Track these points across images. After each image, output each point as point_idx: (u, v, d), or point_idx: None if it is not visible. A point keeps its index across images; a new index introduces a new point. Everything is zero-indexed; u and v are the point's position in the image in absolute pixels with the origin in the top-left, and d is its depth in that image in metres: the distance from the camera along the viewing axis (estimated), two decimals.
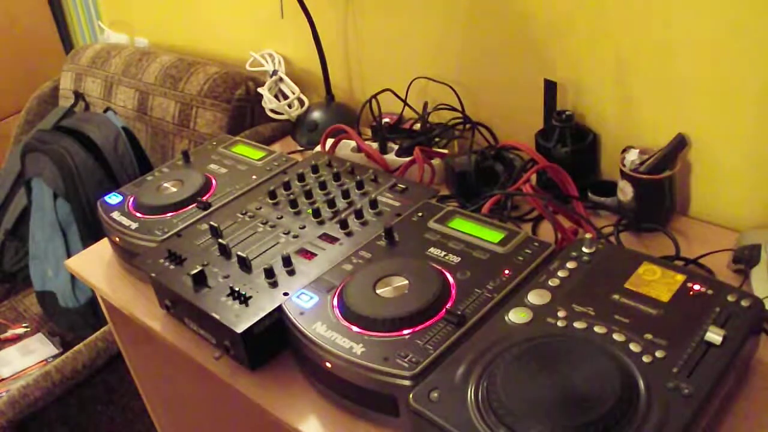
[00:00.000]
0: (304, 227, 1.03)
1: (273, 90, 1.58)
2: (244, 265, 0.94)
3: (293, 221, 1.05)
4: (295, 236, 1.01)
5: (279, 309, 0.87)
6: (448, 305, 0.82)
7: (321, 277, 0.91)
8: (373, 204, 1.05)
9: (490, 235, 0.93)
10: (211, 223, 1.02)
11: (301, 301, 0.87)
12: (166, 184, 1.18)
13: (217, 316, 0.87)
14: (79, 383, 1.39)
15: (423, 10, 1.32)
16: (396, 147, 1.28)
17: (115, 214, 1.13)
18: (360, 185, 1.10)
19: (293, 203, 1.08)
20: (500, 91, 1.28)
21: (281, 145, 1.52)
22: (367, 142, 1.29)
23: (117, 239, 1.11)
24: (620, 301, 0.78)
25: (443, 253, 0.91)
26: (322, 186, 1.12)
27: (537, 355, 0.71)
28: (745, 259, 0.93)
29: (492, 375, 0.69)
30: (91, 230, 1.69)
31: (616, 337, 0.73)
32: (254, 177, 1.20)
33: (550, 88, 1.16)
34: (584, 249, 0.87)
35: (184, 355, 0.96)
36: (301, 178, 1.14)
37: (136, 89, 1.85)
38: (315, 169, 1.17)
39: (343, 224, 1.01)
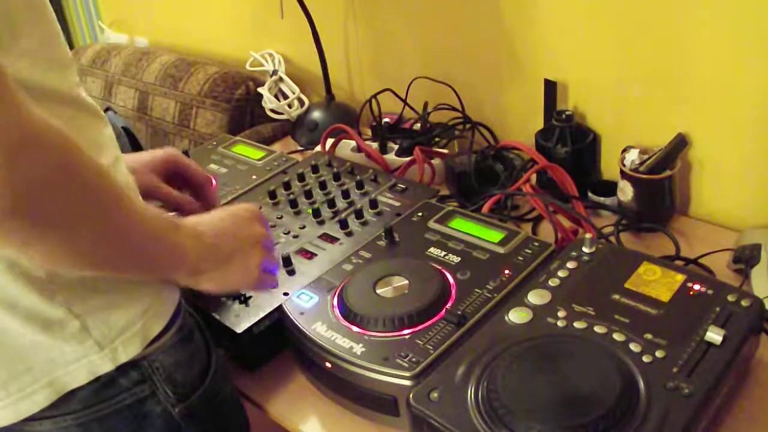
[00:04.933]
0: (304, 227, 1.03)
1: (273, 90, 1.58)
2: None
3: (293, 221, 1.05)
4: (295, 236, 1.01)
5: (279, 309, 0.87)
6: (448, 305, 0.82)
7: (321, 277, 0.91)
8: (373, 204, 1.05)
9: (490, 235, 0.93)
10: None
11: (301, 301, 0.87)
12: None
13: (217, 316, 0.87)
14: None
15: (423, 9, 1.32)
16: (396, 147, 1.28)
17: None
18: (360, 185, 1.10)
19: (293, 203, 1.08)
20: (500, 91, 1.28)
21: (281, 145, 1.52)
22: (367, 142, 1.29)
23: None
24: (620, 301, 0.78)
25: (443, 253, 0.91)
26: (322, 186, 1.12)
27: (537, 355, 0.71)
28: (746, 258, 0.93)
29: (492, 375, 0.69)
30: None
31: (616, 336, 0.73)
32: (254, 177, 1.20)
33: (550, 88, 1.16)
34: (584, 249, 0.86)
35: None
36: (301, 178, 1.14)
37: (136, 89, 1.85)
38: (315, 169, 1.17)
39: (343, 224, 1.01)
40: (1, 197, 0.49)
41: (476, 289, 0.84)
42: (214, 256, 0.72)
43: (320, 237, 1.00)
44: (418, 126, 1.32)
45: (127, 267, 0.65)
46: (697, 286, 0.78)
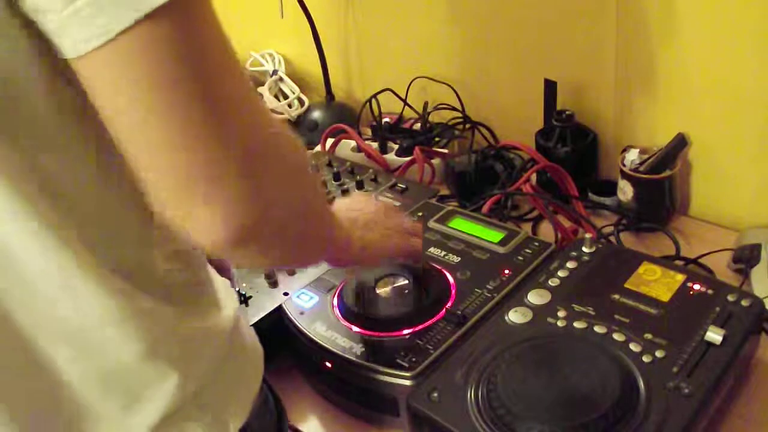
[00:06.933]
0: None
1: (273, 90, 1.58)
2: None
3: None
4: None
5: (279, 309, 0.87)
6: (448, 305, 0.82)
7: (321, 277, 0.90)
8: None
9: (490, 235, 0.93)
10: None
11: (301, 301, 0.87)
12: None
13: None
14: None
15: (423, 9, 1.32)
16: (396, 147, 1.28)
17: None
18: (360, 185, 1.10)
19: None
20: (500, 91, 1.28)
21: None
22: (367, 142, 1.29)
23: None
24: (620, 300, 0.78)
25: (443, 252, 0.91)
26: (322, 186, 1.12)
27: (537, 355, 0.71)
28: (746, 258, 0.93)
29: (492, 375, 0.69)
30: None
31: (616, 336, 0.73)
32: None
33: (550, 88, 1.16)
34: (584, 249, 0.86)
35: None
36: None
37: None
38: (315, 169, 1.17)
39: None
40: (250, 212, 0.44)
41: (476, 289, 0.84)
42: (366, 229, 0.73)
43: None
44: (418, 126, 1.32)
45: (317, 249, 0.62)
46: (697, 286, 0.78)
